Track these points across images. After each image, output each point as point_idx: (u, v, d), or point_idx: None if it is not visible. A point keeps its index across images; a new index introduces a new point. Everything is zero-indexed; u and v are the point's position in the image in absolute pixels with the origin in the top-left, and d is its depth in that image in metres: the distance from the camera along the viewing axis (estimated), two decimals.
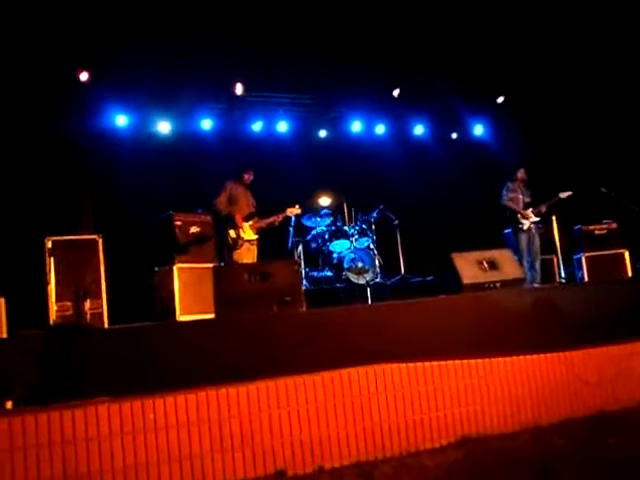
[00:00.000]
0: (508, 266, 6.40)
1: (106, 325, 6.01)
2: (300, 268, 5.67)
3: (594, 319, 6.04)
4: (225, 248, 7.66)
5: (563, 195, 8.85)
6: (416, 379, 5.09)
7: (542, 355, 5.63)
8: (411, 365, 5.08)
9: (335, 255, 9.29)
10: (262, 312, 5.10)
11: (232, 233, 7.63)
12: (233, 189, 7.90)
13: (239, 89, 9.93)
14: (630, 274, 9.10)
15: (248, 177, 8.04)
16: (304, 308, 5.39)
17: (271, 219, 7.99)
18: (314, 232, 9.64)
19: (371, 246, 9.43)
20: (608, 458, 4.65)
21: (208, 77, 9.41)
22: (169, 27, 8.09)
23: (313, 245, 9.60)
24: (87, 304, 5.95)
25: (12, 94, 8.03)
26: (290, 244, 9.44)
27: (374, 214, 9.78)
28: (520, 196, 8.93)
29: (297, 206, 8.17)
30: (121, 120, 9.43)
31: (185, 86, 9.45)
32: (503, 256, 6.49)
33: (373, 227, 9.77)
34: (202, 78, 9.36)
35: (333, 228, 9.50)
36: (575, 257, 9.43)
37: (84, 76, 8.74)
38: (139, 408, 4.23)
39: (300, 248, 9.48)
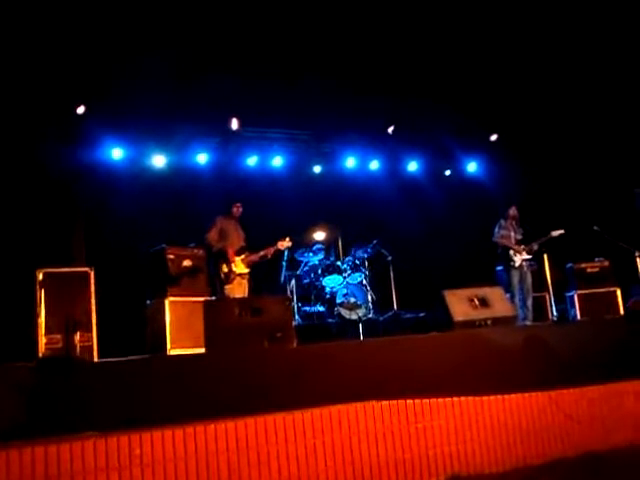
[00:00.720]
0: (499, 303, 6.42)
1: (96, 358, 5.99)
2: (291, 304, 5.65)
3: (585, 358, 6.03)
4: (217, 282, 7.65)
5: (555, 233, 8.87)
6: (406, 416, 5.06)
7: (533, 394, 5.61)
8: (401, 402, 5.06)
9: (328, 290, 9.29)
10: (252, 347, 5.08)
11: (224, 267, 7.63)
12: (224, 224, 7.93)
13: (234, 124, 10.01)
14: (622, 312, 9.12)
15: (237, 210, 8.08)
16: (295, 344, 5.37)
17: (262, 252, 7.99)
18: (307, 267, 9.64)
19: (364, 282, 9.44)
20: None
21: (204, 112, 9.49)
22: (167, 62, 8.18)
23: (306, 280, 9.59)
24: (77, 337, 5.93)
25: (7, 124, 8.08)
26: (283, 278, 9.44)
27: (368, 249, 9.79)
28: (512, 233, 8.96)
29: (288, 239, 8.17)
30: (117, 153, 9.46)
31: (181, 120, 9.52)
32: (494, 293, 6.52)
33: (366, 263, 9.78)
34: (198, 112, 9.44)
35: (326, 263, 9.51)
36: (567, 295, 9.47)
37: (81, 109, 8.79)
38: (126, 443, 4.19)
39: (293, 283, 9.48)
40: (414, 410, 5.10)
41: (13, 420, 4.18)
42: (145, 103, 8.72)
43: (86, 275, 6.20)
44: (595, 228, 9.02)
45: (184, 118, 9.45)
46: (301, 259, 9.68)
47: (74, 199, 8.75)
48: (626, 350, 6.23)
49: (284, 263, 9.45)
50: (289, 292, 9.36)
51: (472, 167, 12.45)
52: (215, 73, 8.72)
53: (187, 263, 7.25)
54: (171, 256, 7.21)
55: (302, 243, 9.54)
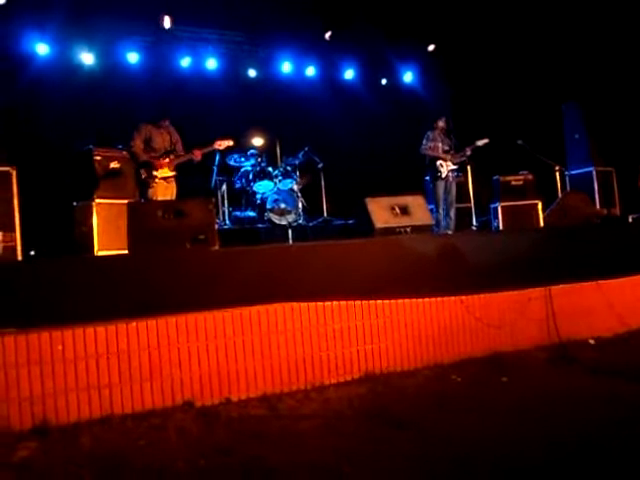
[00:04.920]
0: (419, 212, 6.63)
1: (19, 258, 5.98)
2: (214, 207, 5.71)
3: (499, 266, 6.32)
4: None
5: (480, 143, 9.06)
6: (324, 317, 5.29)
7: (445, 298, 5.91)
8: (320, 304, 5.27)
9: (259, 195, 9.36)
10: (175, 249, 5.16)
11: (142, 172, 7.33)
12: (149, 131, 7.64)
13: (167, 22, 9.68)
14: (542, 224, 9.48)
15: (164, 123, 7.79)
16: (217, 246, 5.47)
17: (189, 155, 7.72)
18: (239, 172, 9.65)
19: (294, 188, 9.52)
20: (500, 394, 5.02)
21: (134, 7, 9.11)
22: None
23: (237, 185, 9.62)
24: (0, 237, 5.90)
25: None
26: (213, 183, 9.44)
27: (299, 156, 9.82)
28: (439, 144, 9.10)
29: (230, 139, 7.87)
30: (42, 49, 9.05)
31: (107, 15, 9.10)
32: (415, 202, 6.70)
33: (297, 169, 9.83)
34: (127, 8, 9.05)
35: (258, 169, 9.51)
36: (492, 206, 9.76)
37: None
38: (47, 340, 4.30)
39: (224, 188, 9.50)
40: (332, 311, 5.33)
41: None
42: None
43: (8, 175, 6.09)
44: (519, 142, 9.26)
45: (110, 13, 9.02)
46: (233, 164, 9.66)
47: None
48: (537, 260, 6.55)
49: (215, 168, 9.42)
50: (220, 197, 9.39)
51: (408, 77, 12.45)
52: None
53: (115, 165, 7.20)
54: (98, 157, 7.15)
55: (240, 148, 9.48)
